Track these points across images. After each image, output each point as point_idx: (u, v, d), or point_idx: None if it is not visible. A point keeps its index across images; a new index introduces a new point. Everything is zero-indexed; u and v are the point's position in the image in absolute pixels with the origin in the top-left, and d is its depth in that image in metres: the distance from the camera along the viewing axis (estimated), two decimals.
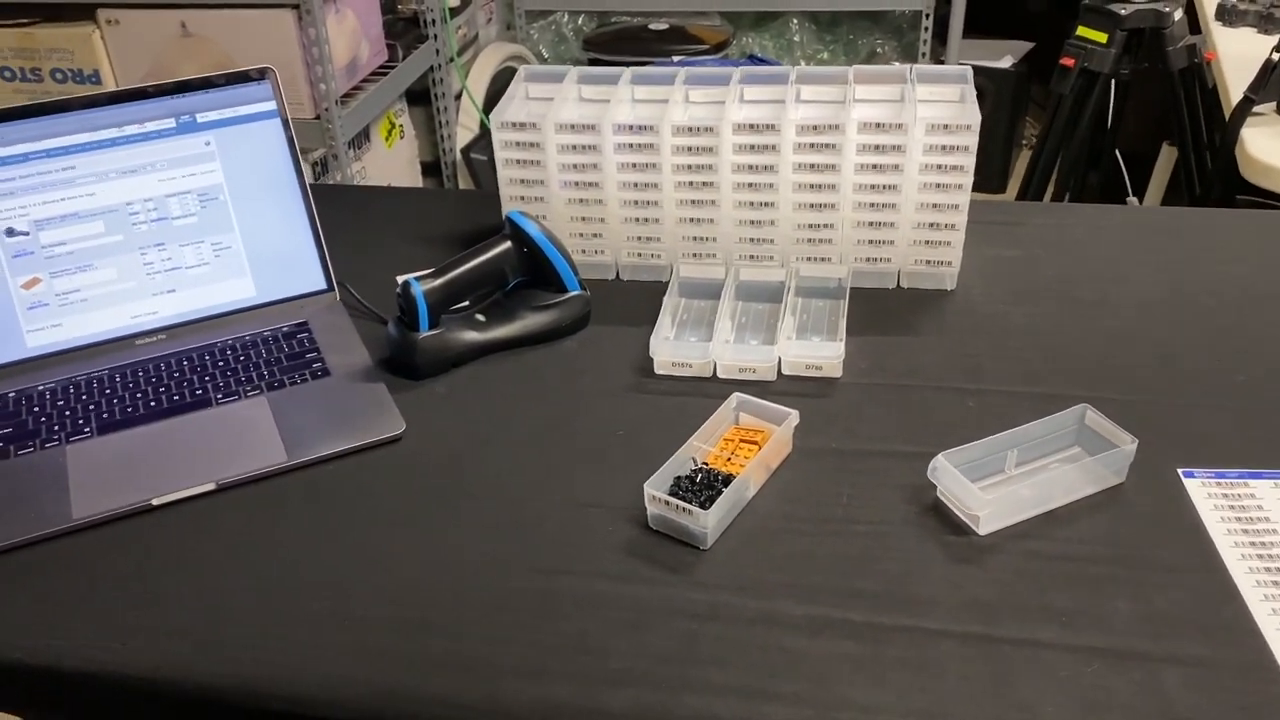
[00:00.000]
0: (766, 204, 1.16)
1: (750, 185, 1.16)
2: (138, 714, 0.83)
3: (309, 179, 2.39)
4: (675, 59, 3.10)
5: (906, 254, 1.18)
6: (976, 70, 3.46)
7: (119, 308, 1.14)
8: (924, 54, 3.27)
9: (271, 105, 1.18)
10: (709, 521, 0.87)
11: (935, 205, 1.14)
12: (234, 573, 0.88)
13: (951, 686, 0.76)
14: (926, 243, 1.16)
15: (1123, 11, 1.77)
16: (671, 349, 1.07)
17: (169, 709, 0.81)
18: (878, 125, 1.10)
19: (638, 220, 1.20)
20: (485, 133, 2.94)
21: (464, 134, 3.01)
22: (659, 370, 1.08)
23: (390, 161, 2.72)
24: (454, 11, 3.00)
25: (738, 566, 0.87)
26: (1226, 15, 1.92)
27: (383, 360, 1.11)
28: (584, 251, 1.23)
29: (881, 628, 0.81)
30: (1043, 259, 1.25)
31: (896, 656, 0.78)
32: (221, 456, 0.99)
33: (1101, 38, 1.79)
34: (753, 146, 1.13)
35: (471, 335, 1.11)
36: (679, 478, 0.92)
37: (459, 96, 3.03)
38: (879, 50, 3.47)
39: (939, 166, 1.12)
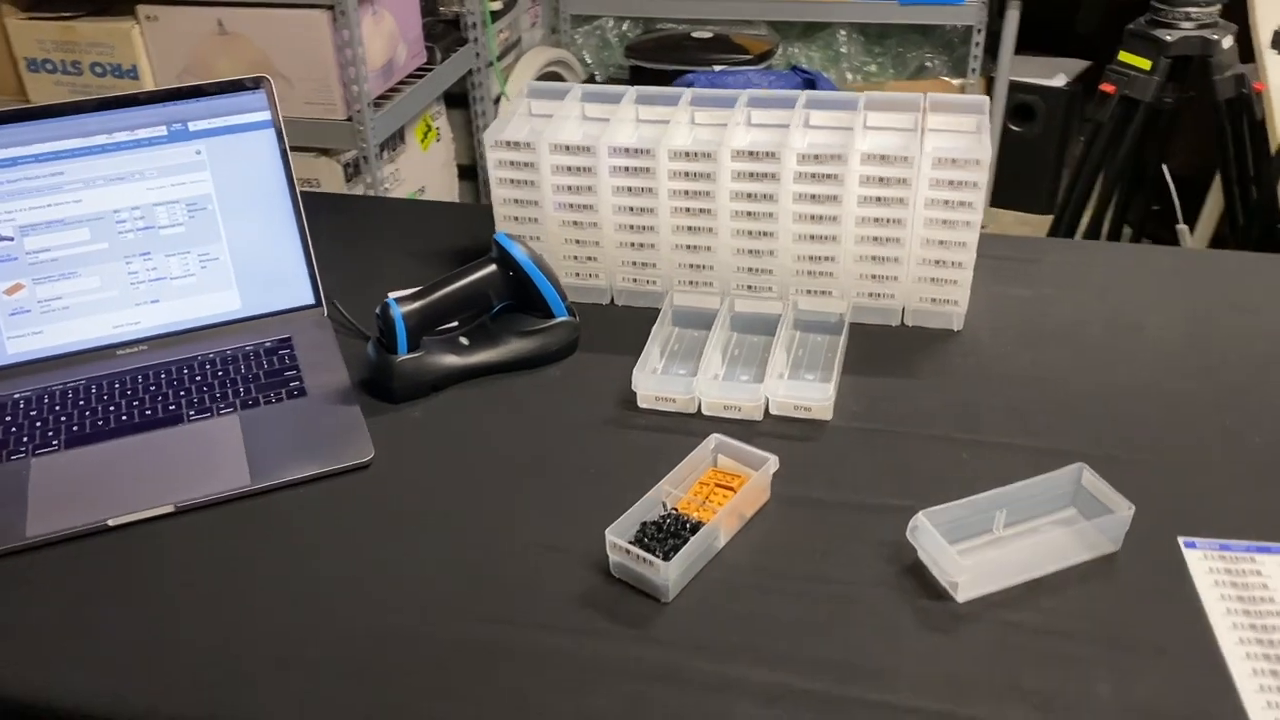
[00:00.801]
0: (766, 233, 1.12)
1: (749, 214, 1.11)
2: None
3: (340, 179, 2.39)
4: (716, 68, 3.05)
5: (911, 291, 1.12)
6: (1028, 88, 3.36)
7: (101, 317, 1.12)
8: (974, 69, 3.20)
9: (266, 115, 1.16)
10: (670, 574, 0.83)
11: (941, 242, 1.08)
12: (177, 603, 0.85)
13: None
14: (932, 280, 1.11)
15: (1168, 37, 1.70)
16: (654, 383, 1.03)
17: None
18: (882, 157, 1.06)
19: (633, 245, 1.16)
20: None
21: None
22: (642, 404, 1.04)
23: (425, 164, 2.70)
24: (496, 15, 2.98)
25: (698, 623, 0.82)
26: None
27: (362, 381, 1.08)
28: (578, 275, 1.20)
29: (843, 701, 0.76)
30: (1056, 300, 1.19)
31: None
32: (184, 477, 0.96)
33: (1145, 64, 1.72)
34: (752, 174, 1.09)
35: (451, 359, 1.08)
36: (646, 523, 0.88)
37: (498, 100, 3.01)
38: (928, 64, 3.40)
39: (945, 202, 1.06)
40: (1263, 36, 1.91)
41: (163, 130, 1.13)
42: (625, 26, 3.50)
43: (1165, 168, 1.99)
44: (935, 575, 0.84)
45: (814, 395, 1.01)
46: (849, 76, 3.43)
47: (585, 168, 1.13)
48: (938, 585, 0.84)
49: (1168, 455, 0.96)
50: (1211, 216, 2.74)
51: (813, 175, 1.08)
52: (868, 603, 0.83)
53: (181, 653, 0.81)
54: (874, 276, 1.12)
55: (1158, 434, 0.99)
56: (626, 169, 1.12)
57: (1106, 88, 1.74)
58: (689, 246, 1.15)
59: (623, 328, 1.16)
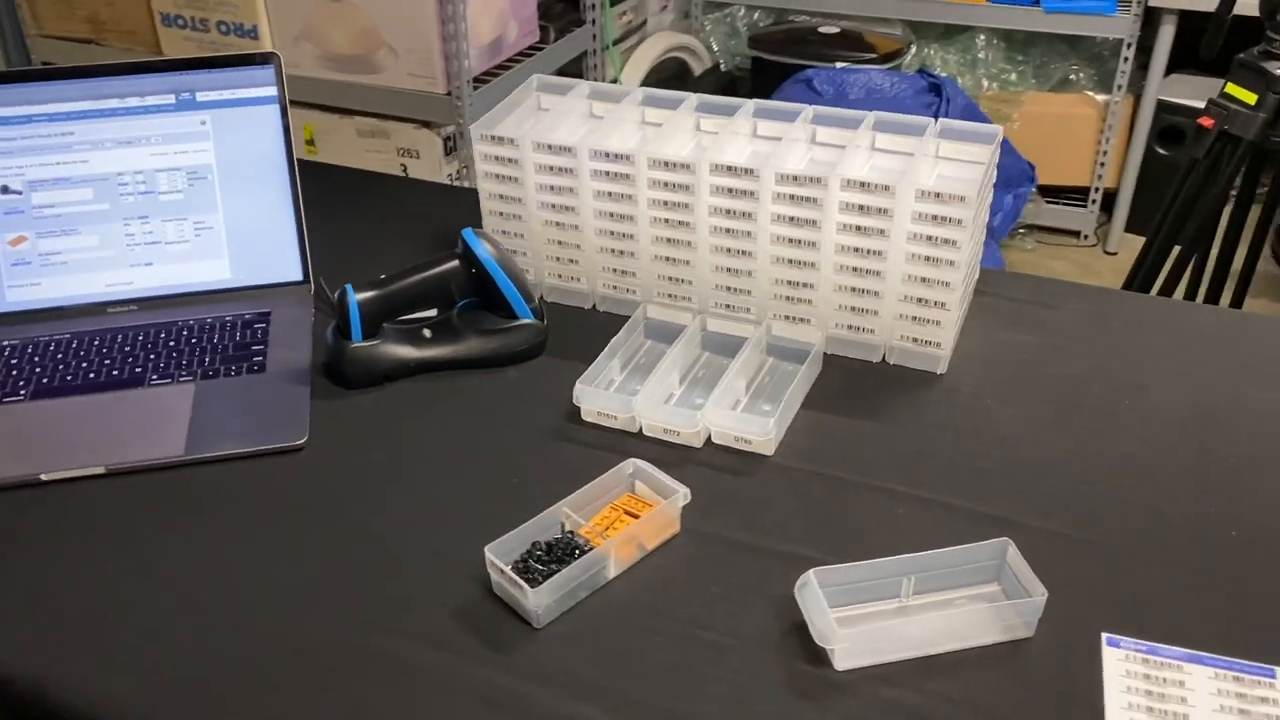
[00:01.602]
0: (744, 253, 1.07)
1: (728, 231, 1.07)
2: None
3: (440, 153, 2.42)
4: (837, 65, 2.96)
5: (891, 328, 1.06)
6: (1178, 109, 3.14)
7: (96, 275, 1.16)
8: (1120, 86, 3.01)
9: (273, 91, 1.17)
10: (540, 600, 0.80)
11: (924, 279, 1.02)
12: (69, 566, 0.88)
13: None
14: (914, 319, 1.04)
15: (1278, 71, 1.55)
16: (596, 398, 1.00)
17: None
18: (862, 184, 0.99)
19: (614, 252, 1.13)
20: None
21: None
22: (586, 418, 1.02)
23: None
24: None
25: (562, 654, 0.80)
26: None
27: (323, 364, 1.09)
28: (560, 277, 1.17)
29: None
30: (1061, 353, 1.10)
31: None
32: (124, 441, 0.99)
33: (1250, 98, 1.57)
34: (731, 190, 1.04)
35: (407, 351, 1.07)
36: (537, 543, 0.86)
37: (614, 84, 3.00)
38: (1073, 77, 3.22)
39: (929, 238, 0.99)
40: None
41: (171, 99, 1.16)
42: (757, 16, 3.43)
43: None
44: (814, 638, 0.78)
45: (754, 429, 0.96)
46: (985, 83, 3.28)
47: (567, 169, 1.10)
48: (820, 649, 0.79)
49: (1126, 538, 0.88)
50: None
51: (791, 197, 1.02)
52: (743, 658, 0.79)
53: (53, 616, 0.83)
54: (853, 309, 1.06)
55: (1124, 513, 0.91)
56: (608, 174, 1.08)
57: (1205, 121, 1.60)
58: (668, 259, 1.11)
59: (599, 335, 1.12)
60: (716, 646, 0.80)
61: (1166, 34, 2.88)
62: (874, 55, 3.06)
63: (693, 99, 1.16)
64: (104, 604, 0.84)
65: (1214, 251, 1.74)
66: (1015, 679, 0.77)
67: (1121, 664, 0.77)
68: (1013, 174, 2.98)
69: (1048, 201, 3.13)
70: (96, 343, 1.11)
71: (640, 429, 1.00)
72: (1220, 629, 0.80)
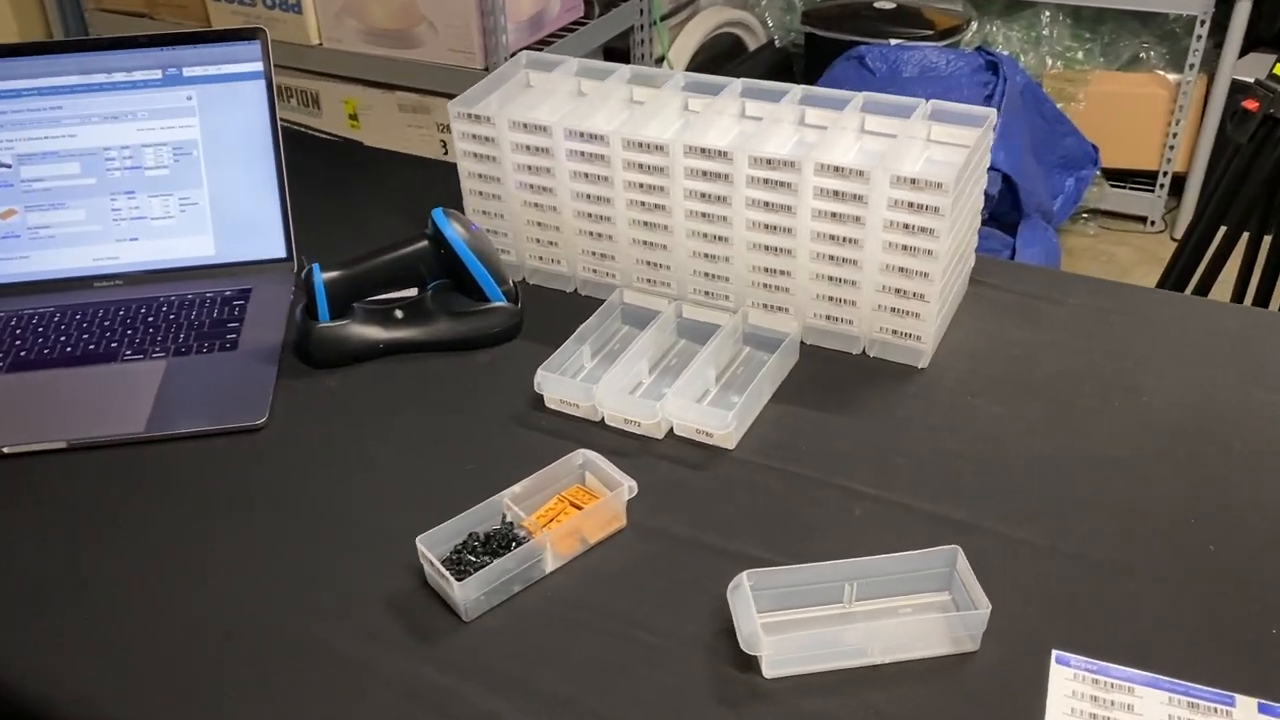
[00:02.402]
0: (721, 238, 1.03)
1: (704, 215, 1.03)
2: None
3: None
4: (892, 42, 2.87)
5: (870, 319, 1.01)
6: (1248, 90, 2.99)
7: (83, 249, 1.17)
8: (1193, 65, 2.88)
9: (259, 66, 1.17)
10: (466, 594, 0.78)
11: (902, 269, 0.97)
12: (20, 541, 0.88)
13: None
14: (893, 310, 1.00)
15: None
16: (555, 385, 0.98)
17: None
18: (836, 169, 0.95)
19: (592, 235, 1.10)
20: None
21: None
22: (549, 405, 0.99)
23: None
24: None
25: (489, 649, 0.78)
26: None
27: (294, 344, 1.08)
28: (541, 259, 1.15)
29: None
30: (1057, 349, 1.04)
31: None
32: (89, 416, 0.99)
33: None
34: (705, 173, 1.01)
35: (376, 332, 1.06)
36: (475, 533, 0.84)
37: (660, 61, 2.96)
38: (1143, 55, 3.08)
39: (905, 226, 0.95)
40: None
41: (158, 74, 1.16)
42: None
43: None
44: (740, 644, 0.75)
45: (714, 422, 0.93)
46: (1049, 62, 3.16)
47: (544, 149, 1.07)
48: (751, 655, 0.76)
49: (1095, 549, 0.83)
50: None
51: (765, 181, 0.98)
52: (672, 660, 0.76)
53: (4, 585, 0.84)
54: (831, 298, 1.02)
55: (1097, 522, 0.85)
56: (584, 154, 1.06)
57: (1250, 104, 1.51)
58: (645, 243, 1.08)
59: (580, 319, 1.10)
60: (647, 647, 0.77)
61: (1243, 10, 2.75)
62: (931, 32, 2.96)
63: (680, 78, 1.13)
64: (53, 581, 0.84)
65: (1265, 245, 1.64)
66: (953, 694, 0.73)
67: (1069, 683, 0.73)
68: (1075, 156, 2.86)
69: (1112, 185, 3.00)
70: (78, 317, 1.12)
71: (603, 418, 0.97)
72: (1182, 650, 0.75)
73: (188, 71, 1.16)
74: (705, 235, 1.04)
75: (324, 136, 1.65)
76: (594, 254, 1.11)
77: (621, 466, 0.88)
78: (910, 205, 0.94)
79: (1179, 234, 2.99)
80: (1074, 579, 0.81)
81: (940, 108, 1.04)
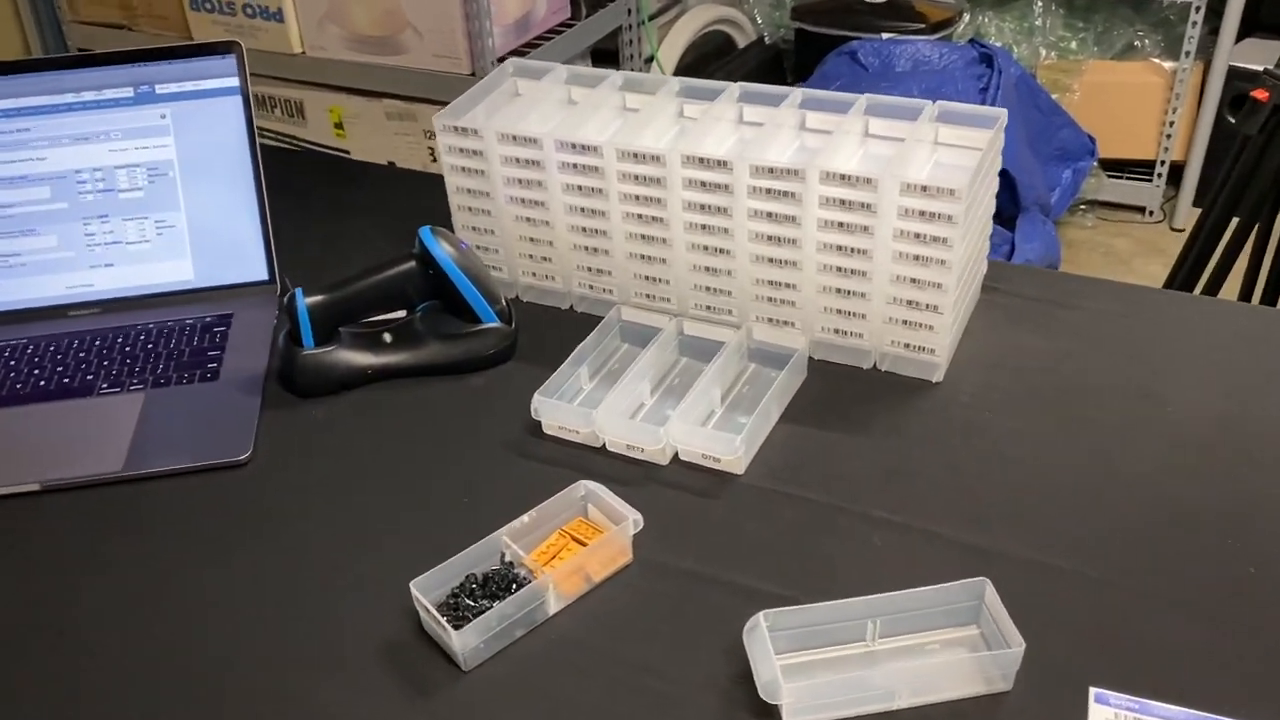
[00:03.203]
0: (722, 250, 0.99)
1: (704, 227, 0.98)
2: None
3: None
4: (884, 36, 2.83)
5: (881, 332, 0.97)
6: (1252, 75, 2.97)
7: (56, 276, 1.12)
8: (1188, 52, 2.85)
9: (235, 81, 1.12)
10: (465, 642, 0.74)
11: (914, 280, 0.92)
12: None
13: None
14: (904, 323, 0.95)
15: None
16: (553, 410, 0.93)
17: None
18: (842, 177, 0.90)
19: (587, 249, 1.06)
20: None
21: None
22: (548, 431, 0.95)
23: None
24: None
25: (489, 700, 0.73)
26: None
27: (278, 372, 1.03)
28: (534, 275, 1.10)
29: None
30: (1076, 358, 1.00)
31: None
32: (64, 455, 0.94)
33: None
34: (704, 184, 0.96)
35: (365, 358, 1.01)
36: (473, 575, 0.79)
37: (650, 61, 2.91)
38: (1138, 44, 3.04)
39: (916, 235, 0.90)
40: None
41: (130, 92, 1.11)
42: None
43: None
44: (759, 692, 0.71)
45: (721, 446, 0.88)
46: (1043, 53, 3.12)
47: (535, 161, 1.03)
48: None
49: (1129, 575, 0.79)
50: None
51: (768, 191, 0.94)
52: (684, 708, 0.72)
53: None
54: (839, 311, 0.97)
55: (1130, 545, 0.81)
56: (575, 166, 1.01)
57: (1260, 94, 1.46)
58: (644, 257, 1.03)
59: (577, 337, 1.05)
60: (658, 695, 0.73)
61: None
62: (923, 25, 2.92)
63: (674, 83, 1.08)
64: (29, 629, 0.80)
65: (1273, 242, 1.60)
66: None
67: None
68: (1072, 147, 2.82)
69: (1110, 176, 2.96)
70: (53, 349, 1.07)
71: (604, 444, 0.93)
72: (1229, 685, 0.70)
73: (160, 88, 1.11)
74: (706, 248, 0.99)
75: (306, 150, 1.60)
76: (589, 269, 1.07)
77: (625, 496, 0.83)
78: (921, 213, 0.89)
79: (1178, 223, 2.95)
80: (1109, 609, 0.76)
81: (948, 109, 0.99)
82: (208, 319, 1.10)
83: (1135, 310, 1.06)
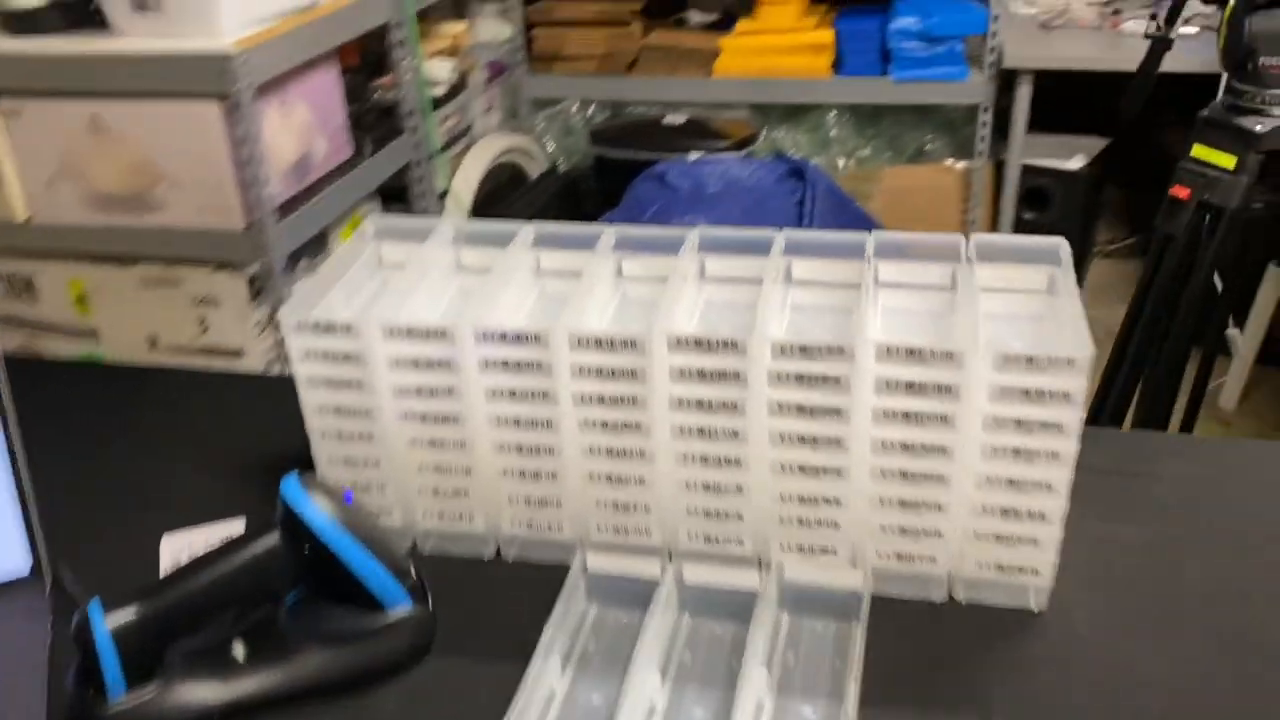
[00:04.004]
0: (729, 460, 0.70)
1: (701, 431, 0.70)
2: None
3: (245, 298, 1.99)
4: (691, 156, 2.67)
5: (964, 553, 0.70)
6: (1040, 171, 2.99)
7: None
8: (981, 151, 2.88)
9: None
10: None
11: (1011, 482, 0.67)
12: None
13: None
14: (997, 538, 0.69)
15: (1259, 128, 1.31)
16: None
17: None
18: (910, 351, 0.64)
19: (523, 474, 0.74)
20: None
21: None
22: None
23: None
24: (440, 101, 2.64)
25: None
26: None
27: None
28: (441, 517, 0.78)
29: None
30: (1183, 546, 0.77)
31: None
32: None
33: (1228, 162, 1.33)
34: (703, 373, 0.68)
35: (210, 692, 0.65)
36: None
37: (443, 195, 2.64)
38: (928, 147, 3.05)
39: (1017, 423, 0.65)
40: None
41: None
42: (590, 111, 3.14)
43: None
44: None
45: None
46: (840, 162, 3.08)
47: (443, 361, 0.71)
48: None
49: None
50: (1261, 320, 2.36)
51: (799, 377, 0.66)
52: None
53: None
54: (902, 530, 0.70)
55: None
56: (507, 364, 0.70)
57: (1179, 191, 1.35)
58: (609, 477, 0.73)
59: (511, 602, 0.73)
60: None
61: (1024, 95, 2.75)
62: (726, 143, 2.79)
63: (610, 232, 0.80)
64: None
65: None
66: None
67: None
68: None
69: None
70: None
71: None
72: None
73: None
74: (705, 459, 0.70)
75: (48, 352, 1.21)
76: (527, 501, 0.75)
77: None
78: (1025, 393, 0.64)
79: None
80: None
81: (986, 244, 0.76)
82: None
83: (1231, 471, 0.84)
